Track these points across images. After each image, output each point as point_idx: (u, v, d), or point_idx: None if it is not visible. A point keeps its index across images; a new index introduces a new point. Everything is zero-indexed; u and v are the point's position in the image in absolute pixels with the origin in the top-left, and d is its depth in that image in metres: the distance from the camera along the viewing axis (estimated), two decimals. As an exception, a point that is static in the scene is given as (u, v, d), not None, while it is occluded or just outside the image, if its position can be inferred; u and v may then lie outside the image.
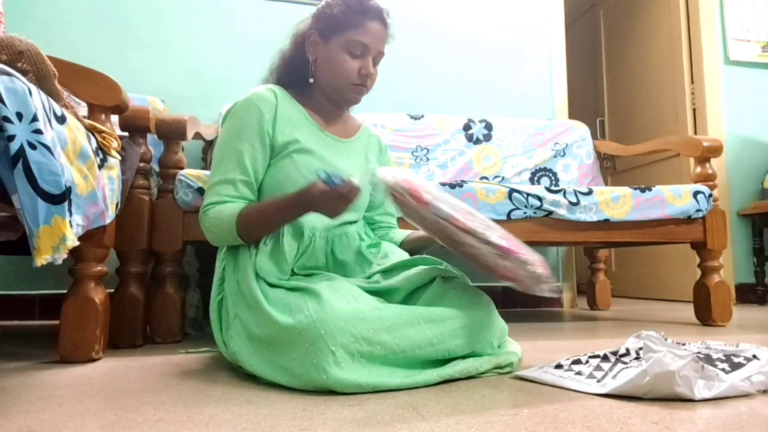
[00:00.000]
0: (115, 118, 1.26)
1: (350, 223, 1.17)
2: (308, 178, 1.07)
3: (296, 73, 1.17)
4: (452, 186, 1.59)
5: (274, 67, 1.20)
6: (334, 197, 0.92)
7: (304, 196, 0.96)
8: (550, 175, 2.26)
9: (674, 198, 1.72)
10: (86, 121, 1.09)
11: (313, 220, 1.08)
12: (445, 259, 1.11)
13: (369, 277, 1.07)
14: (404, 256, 1.13)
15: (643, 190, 1.72)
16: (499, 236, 0.90)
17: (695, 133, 2.91)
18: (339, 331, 0.83)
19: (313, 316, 0.84)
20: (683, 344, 1.04)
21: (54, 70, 0.97)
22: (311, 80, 1.15)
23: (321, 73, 1.14)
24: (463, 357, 0.93)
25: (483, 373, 0.93)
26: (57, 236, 0.84)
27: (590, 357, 0.97)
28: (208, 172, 1.43)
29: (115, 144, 1.16)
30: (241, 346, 0.94)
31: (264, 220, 1.01)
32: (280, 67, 1.19)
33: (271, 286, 0.97)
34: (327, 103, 1.17)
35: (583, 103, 3.86)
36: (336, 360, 0.81)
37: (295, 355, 0.84)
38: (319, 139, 1.14)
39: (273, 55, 1.21)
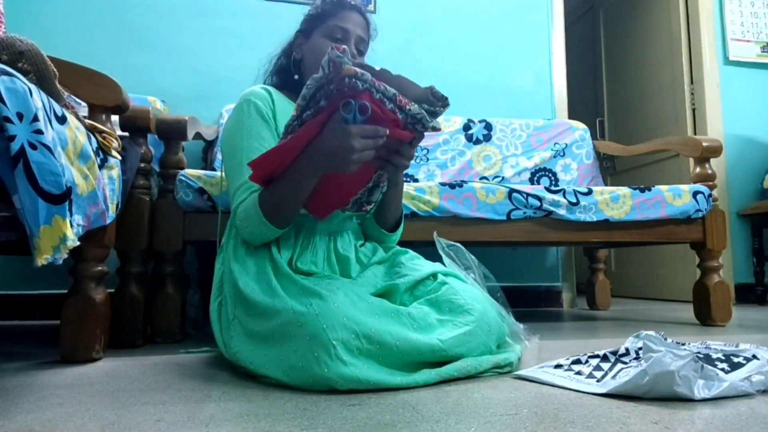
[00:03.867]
0: (115, 118, 1.26)
1: (348, 217, 1.19)
2: None
3: (286, 76, 1.22)
4: (452, 186, 1.59)
5: (267, 70, 1.25)
6: (349, 132, 0.84)
7: (319, 140, 0.89)
8: (550, 175, 2.26)
9: (674, 198, 1.73)
10: (87, 121, 1.09)
11: (311, 218, 1.10)
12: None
13: (367, 267, 1.09)
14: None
15: (642, 190, 1.72)
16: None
17: (695, 133, 2.91)
18: (341, 327, 0.83)
19: (316, 310, 0.85)
20: (683, 344, 1.04)
21: (55, 70, 0.97)
22: (296, 76, 1.20)
23: (307, 65, 1.18)
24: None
25: (482, 372, 0.93)
26: (57, 236, 0.84)
27: (590, 357, 0.97)
28: (208, 173, 1.43)
29: (115, 144, 1.16)
30: (241, 346, 0.94)
31: (282, 191, 0.95)
32: (270, 71, 1.25)
33: (281, 277, 0.97)
34: None
35: (583, 103, 3.86)
36: (337, 353, 0.81)
37: (295, 348, 0.84)
38: None
39: (263, 64, 1.25)
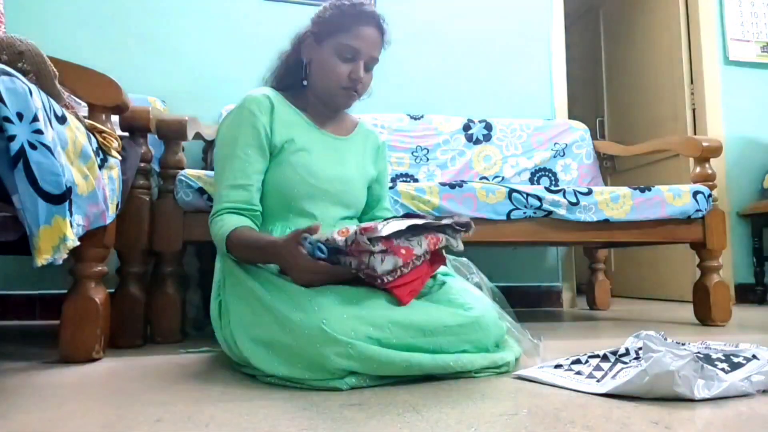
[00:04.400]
0: (115, 118, 1.26)
1: (348, 219, 1.18)
2: (305, 178, 1.09)
3: (293, 75, 1.19)
4: (452, 186, 1.59)
5: (273, 68, 1.22)
6: (308, 268, 0.90)
7: (282, 252, 0.93)
8: (550, 175, 2.26)
9: (674, 198, 1.73)
10: (87, 121, 1.09)
11: (310, 223, 1.10)
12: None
13: None
14: None
15: (642, 190, 1.72)
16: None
17: (695, 133, 2.91)
18: (332, 309, 0.86)
19: (308, 296, 0.88)
20: (683, 344, 1.04)
21: (54, 70, 0.97)
22: (305, 83, 1.18)
23: (314, 76, 1.16)
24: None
25: (479, 369, 0.93)
26: (57, 236, 0.84)
27: (590, 357, 0.97)
28: (208, 172, 1.43)
29: (115, 144, 1.17)
30: (240, 341, 0.94)
31: (246, 253, 1.01)
32: (278, 68, 1.22)
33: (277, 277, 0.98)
34: (320, 105, 1.19)
35: (583, 103, 3.86)
36: (327, 331, 0.83)
37: (289, 331, 0.86)
38: (315, 137, 1.15)
39: (273, 58, 1.22)
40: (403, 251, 0.90)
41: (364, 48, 1.10)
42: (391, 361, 0.83)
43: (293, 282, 0.93)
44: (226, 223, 1.02)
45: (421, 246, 0.93)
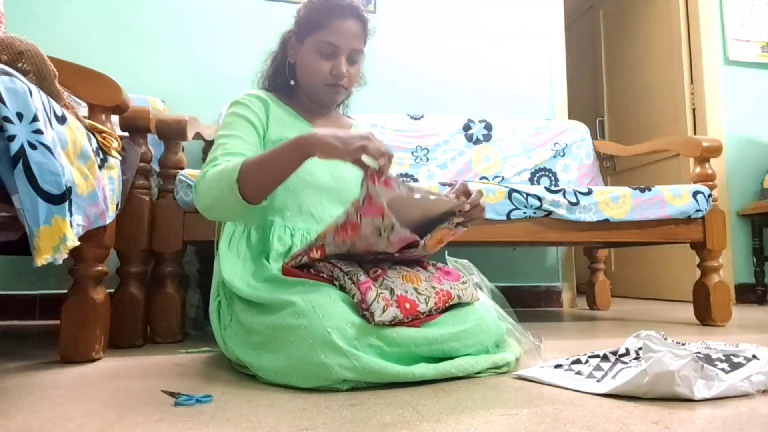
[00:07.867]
0: (115, 118, 1.26)
1: None
2: (299, 173, 1.08)
3: (283, 75, 1.21)
4: (452, 186, 1.59)
5: (263, 69, 1.24)
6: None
7: (306, 137, 0.89)
8: (550, 175, 2.26)
9: (674, 198, 1.73)
10: (87, 121, 1.09)
11: (308, 221, 1.09)
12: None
13: None
14: None
15: (642, 190, 1.72)
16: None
17: (695, 133, 2.91)
18: (336, 316, 0.84)
19: (312, 301, 0.86)
20: (683, 344, 1.04)
21: (54, 70, 0.97)
22: (291, 82, 1.19)
23: (300, 75, 1.17)
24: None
25: (480, 372, 0.93)
26: (57, 236, 0.84)
27: (590, 357, 0.97)
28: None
29: (115, 144, 1.16)
30: (240, 344, 0.94)
31: (267, 167, 0.93)
32: (269, 69, 1.23)
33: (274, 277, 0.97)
34: (311, 103, 1.20)
35: (583, 103, 3.86)
36: (332, 340, 0.81)
37: (292, 339, 0.84)
38: None
39: (264, 59, 1.24)
40: (407, 305, 0.89)
41: (342, 42, 1.09)
42: (395, 374, 0.83)
43: (332, 152, 0.87)
44: (230, 162, 0.96)
45: (427, 304, 0.92)
